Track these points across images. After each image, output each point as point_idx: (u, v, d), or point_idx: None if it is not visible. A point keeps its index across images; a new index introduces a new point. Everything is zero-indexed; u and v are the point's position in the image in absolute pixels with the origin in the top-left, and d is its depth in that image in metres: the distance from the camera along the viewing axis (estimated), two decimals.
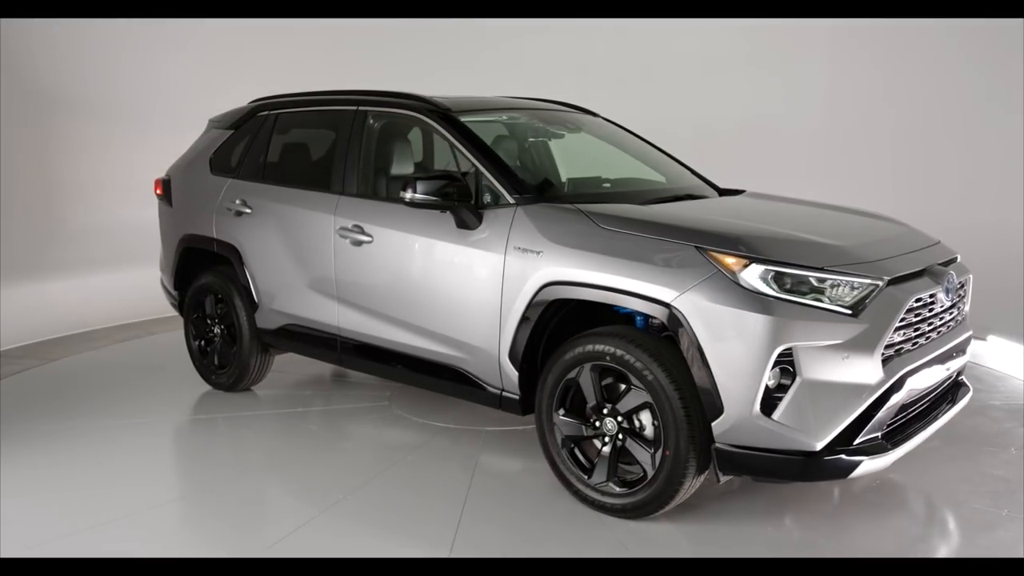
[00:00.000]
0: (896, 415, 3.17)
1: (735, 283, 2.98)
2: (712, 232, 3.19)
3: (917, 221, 4.05)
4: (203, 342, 5.13)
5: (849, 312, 2.97)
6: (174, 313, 5.50)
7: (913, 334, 3.19)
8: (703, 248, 3.08)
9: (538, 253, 3.44)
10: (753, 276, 2.99)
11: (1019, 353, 5.77)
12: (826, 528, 3.33)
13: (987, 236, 5.95)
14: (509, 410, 3.73)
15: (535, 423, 3.58)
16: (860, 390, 2.96)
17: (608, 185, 4.37)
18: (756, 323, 2.90)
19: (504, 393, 3.71)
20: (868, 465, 3.02)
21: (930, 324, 3.31)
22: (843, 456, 2.98)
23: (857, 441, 3.01)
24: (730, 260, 3.02)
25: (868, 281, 3.04)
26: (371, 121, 4.39)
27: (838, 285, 3.01)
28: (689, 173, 4.71)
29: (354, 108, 4.43)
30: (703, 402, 3.05)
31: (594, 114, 5.06)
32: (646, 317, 3.32)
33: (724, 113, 8.02)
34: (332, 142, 4.52)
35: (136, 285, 5.56)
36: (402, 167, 4.41)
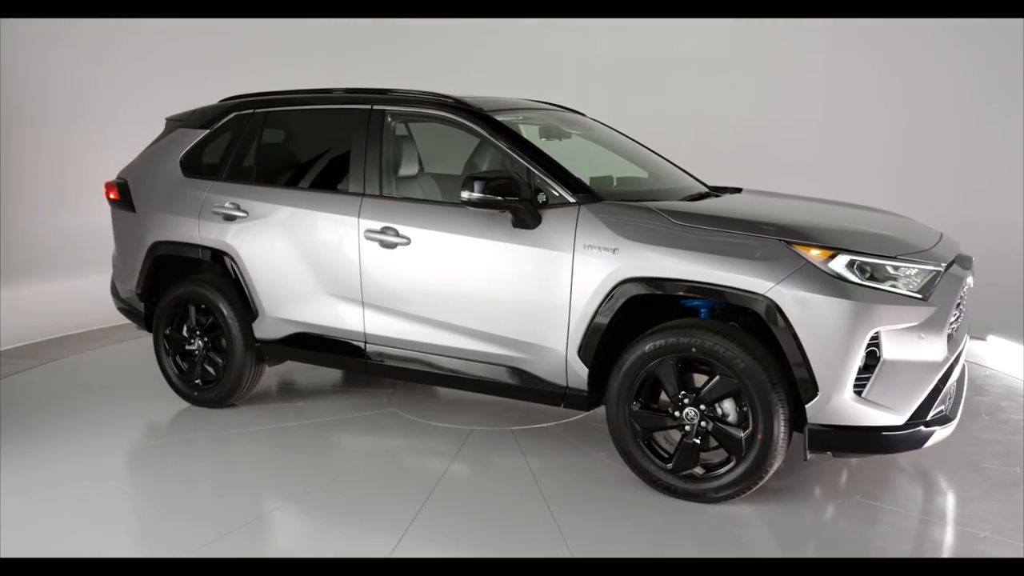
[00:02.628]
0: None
1: (825, 273, 3.20)
2: (794, 225, 3.41)
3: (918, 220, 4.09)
4: (179, 357, 4.83)
5: (920, 296, 3.25)
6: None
7: (959, 314, 3.54)
8: (789, 241, 3.28)
9: (613, 251, 3.50)
10: (840, 266, 3.23)
11: (1019, 353, 5.77)
12: (889, 496, 3.64)
13: (987, 236, 5.94)
14: (572, 406, 3.78)
15: (607, 416, 3.64)
16: (932, 367, 3.25)
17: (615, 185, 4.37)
18: (850, 309, 3.15)
19: (568, 390, 3.73)
20: (939, 434, 3.35)
21: (964, 305, 3.67)
22: (922, 428, 3.28)
23: (931, 414, 3.30)
24: (815, 252, 3.25)
25: (931, 267, 3.34)
26: (390, 120, 4.28)
27: (909, 272, 3.29)
28: (682, 172, 4.72)
29: (367, 107, 4.31)
30: (798, 385, 3.24)
31: (581, 113, 5.06)
32: (711, 309, 3.56)
33: (724, 113, 8.01)
34: (342, 142, 4.40)
35: None
36: (441, 167, 4.43)
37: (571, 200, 3.67)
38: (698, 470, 3.47)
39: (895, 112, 7.66)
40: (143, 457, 4.25)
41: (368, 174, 4.19)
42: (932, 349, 3.23)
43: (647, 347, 3.46)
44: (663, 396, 3.54)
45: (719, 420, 3.42)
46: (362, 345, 4.25)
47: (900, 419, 3.22)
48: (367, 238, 4.09)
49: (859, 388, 3.19)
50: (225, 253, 4.55)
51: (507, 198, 3.63)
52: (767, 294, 3.23)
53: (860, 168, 7.70)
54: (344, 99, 4.47)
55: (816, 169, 7.66)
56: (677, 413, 3.47)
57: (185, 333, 4.79)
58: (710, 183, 4.65)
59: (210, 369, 4.74)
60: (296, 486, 3.77)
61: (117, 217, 5.11)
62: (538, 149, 3.93)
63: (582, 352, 3.63)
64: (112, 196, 5.08)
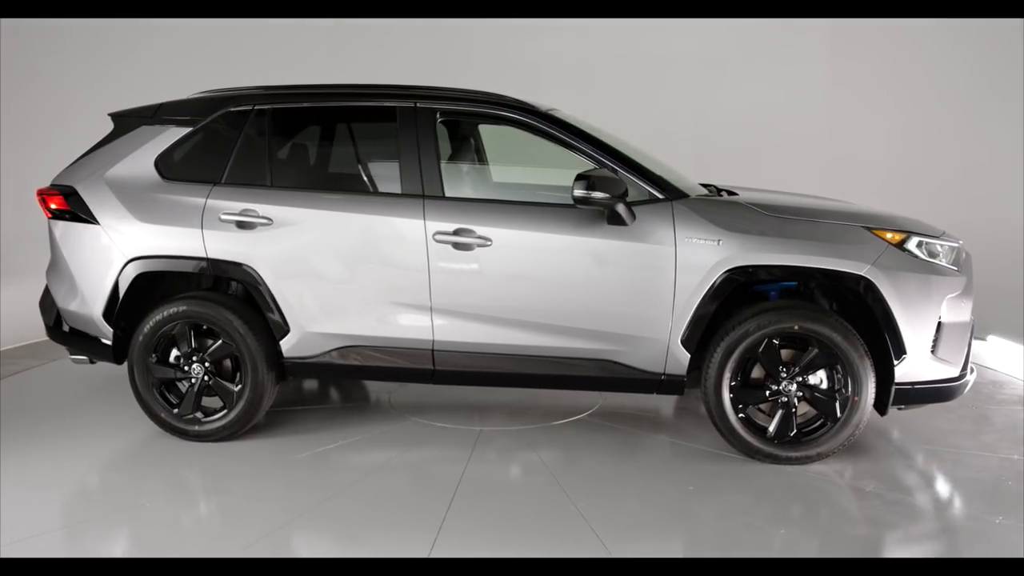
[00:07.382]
0: None
1: (903, 253, 3.78)
2: (869, 214, 4.00)
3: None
4: (164, 389, 4.24)
5: (956, 269, 3.86)
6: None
7: None
8: (870, 227, 3.83)
9: (717, 242, 3.79)
10: (913, 246, 3.82)
11: (1019, 353, 5.77)
12: (916, 437, 4.37)
13: (987, 236, 5.94)
14: (668, 392, 4.01)
15: (705, 397, 3.91)
16: (968, 326, 3.92)
17: None
18: (932, 282, 3.77)
19: (666, 377, 3.94)
20: (971, 381, 4.00)
21: None
22: (967, 377, 3.95)
23: (969, 365, 3.97)
24: (889, 235, 3.81)
25: (956, 244, 3.96)
26: (440, 119, 4.14)
27: (946, 249, 3.89)
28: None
29: (411, 105, 4.10)
30: (891, 350, 3.75)
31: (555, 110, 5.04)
32: (779, 291, 4.06)
33: (724, 113, 8.01)
34: (381, 141, 4.27)
35: None
36: (521, 168, 4.63)
37: (660, 196, 3.90)
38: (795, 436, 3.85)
39: (895, 112, 7.65)
40: (145, 457, 4.24)
41: (426, 174, 4.01)
42: (967, 311, 3.87)
43: (751, 328, 3.78)
44: (755, 372, 3.90)
45: (815, 389, 3.83)
46: (429, 352, 4.05)
47: (956, 371, 3.86)
48: (437, 241, 3.93)
49: (932, 349, 3.78)
50: (243, 266, 4.09)
51: (612, 195, 3.76)
52: (865, 274, 3.72)
53: (860, 168, 7.70)
54: (376, 95, 4.25)
55: (816, 168, 7.66)
56: (775, 386, 3.84)
57: (173, 360, 4.23)
58: (701, 183, 4.64)
59: (214, 399, 4.23)
60: (412, 528, 3.30)
61: (66, 230, 4.31)
62: (616, 148, 4.04)
63: (686, 339, 3.86)
64: (56, 207, 4.33)
